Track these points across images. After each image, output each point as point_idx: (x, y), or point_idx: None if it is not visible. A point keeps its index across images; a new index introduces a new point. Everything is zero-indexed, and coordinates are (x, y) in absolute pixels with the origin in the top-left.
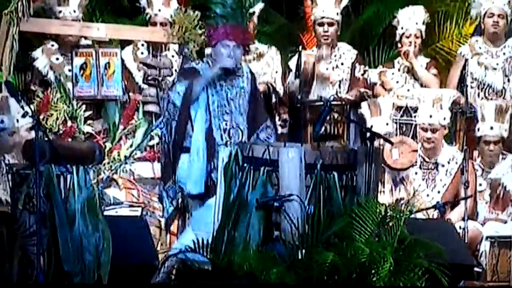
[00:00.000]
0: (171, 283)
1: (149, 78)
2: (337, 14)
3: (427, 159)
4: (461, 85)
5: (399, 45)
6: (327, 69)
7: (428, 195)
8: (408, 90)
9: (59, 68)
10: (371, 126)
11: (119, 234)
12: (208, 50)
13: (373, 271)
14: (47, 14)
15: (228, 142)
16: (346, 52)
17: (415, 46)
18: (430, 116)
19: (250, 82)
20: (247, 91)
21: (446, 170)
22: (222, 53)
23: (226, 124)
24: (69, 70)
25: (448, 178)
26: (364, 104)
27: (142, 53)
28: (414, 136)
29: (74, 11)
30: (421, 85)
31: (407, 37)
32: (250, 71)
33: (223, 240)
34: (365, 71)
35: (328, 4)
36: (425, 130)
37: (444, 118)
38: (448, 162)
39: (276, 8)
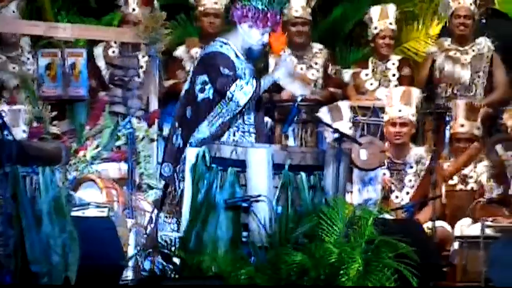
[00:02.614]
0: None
1: (115, 78)
2: (309, 13)
3: (395, 160)
4: (430, 85)
5: (371, 44)
6: (301, 69)
7: (397, 197)
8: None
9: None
10: None
11: (87, 235)
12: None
13: (342, 272)
14: None
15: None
16: (319, 52)
17: (389, 46)
18: (399, 111)
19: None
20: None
21: (415, 171)
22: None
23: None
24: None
25: (416, 179)
26: (324, 109)
27: (113, 52)
28: (382, 137)
29: (14, 12)
30: (395, 86)
31: (382, 38)
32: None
33: (191, 241)
34: (336, 71)
35: (300, 4)
36: (394, 124)
37: (413, 115)
38: (416, 163)
39: None
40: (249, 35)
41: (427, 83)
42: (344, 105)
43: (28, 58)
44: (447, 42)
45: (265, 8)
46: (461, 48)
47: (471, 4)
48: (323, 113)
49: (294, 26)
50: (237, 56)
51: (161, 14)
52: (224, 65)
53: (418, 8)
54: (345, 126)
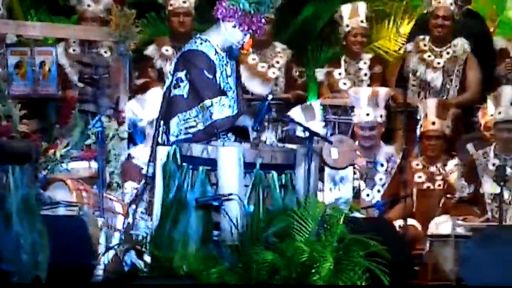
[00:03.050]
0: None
1: (85, 76)
2: (272, 12)
3: (364, 159)
4: (402, 83)
5: (343, 42)
6: (262, 67)
7: (368, 195)
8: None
9: None
10: None
11: (57, 234)
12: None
13: (313, 271)
14: None
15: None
16: (282, 51)
17: (361, 44)
18: (367, 114)
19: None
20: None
21: (385, 170)
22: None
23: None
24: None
25: (387, 177)
26: (297, 109)
27: (74, 50)
28: (353, 135)
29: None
30: (368, 85)
31: (354, 36)
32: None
33: (162, 239)
34: (301, 72)
35: None
36: (362, 128)
37: (381, 116)
38: (387, 161)
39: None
40: (232, 34)
41: (399, 81)
42: (316, 104)
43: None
44: (423, 41)
45: (252, 11)
46: (436, 49)
47: (451, 4)
48: (296, 112)
49: None
50: (216, 52)
51: (131, 12)
52: (206, 67)
53: (389, 7)
54: (318, 125)
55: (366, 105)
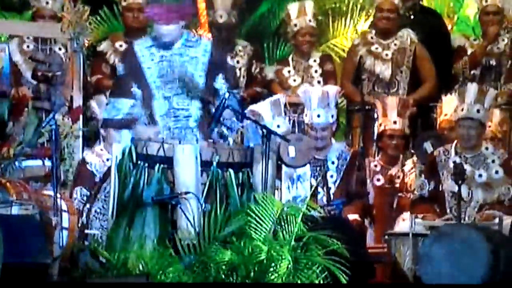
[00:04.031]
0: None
1: (39, 73)
2: (234, 15)
3: (316, 156)
4: (357, 80)
5: (292, 41)
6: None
7: (319, 192)
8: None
9: None
10: (278, 126)
11: (11, 233)
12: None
13: (271, 269)
14: None
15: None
16: (242, 49)
17: (310, 43)
18: (318, 116)
19: (208, 55)
20: (200, 61)
21: (336, 167)
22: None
23: (170, 91)
24: None
25: (338, 175)
26: (265, 104)
27: (28, 46)
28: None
29: None
30: (318, 82)
31: (302, 35)
32: (213, 46)
33: (118, 239)
34: (261, 69)
35: (225, 8)
36: (314, 129)
37: (332, 116)
38: (338, 158)
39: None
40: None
41: (355, 79)
42: (283, 100)
43: None
44: (370, 34)
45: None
46: (383, 42)
47: None
48: (265, 108)
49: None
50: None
51: (84, 8)
52: None
53: (345, 5)
54: (285, 122)
55: (317, 106)
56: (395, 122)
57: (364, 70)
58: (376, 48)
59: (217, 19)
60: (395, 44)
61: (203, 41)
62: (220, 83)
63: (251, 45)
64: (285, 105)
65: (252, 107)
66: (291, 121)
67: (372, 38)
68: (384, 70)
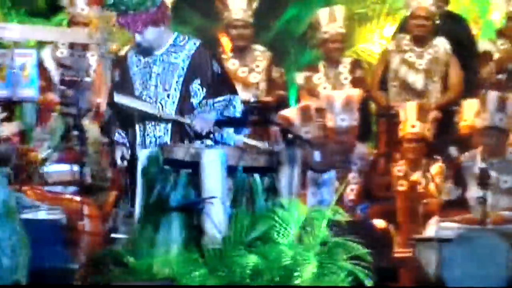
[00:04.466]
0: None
1: (66, 79)
2: (250, 16)
3: (340, 160)
4: (385, 85)
5: (321, 48)
6: (243, 72)
7: (344, 197)
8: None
9: None
10: (306, 132)
11: (37, 238)
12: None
13: (296, 274)
14: None
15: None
16: (261, 54)
17: (339, 50)
18: (342, 120)
19: (189, 59)
20: (180, 67)
21: (361, 171)
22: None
23: (149, 98)
24: None
25: (362, 179)
26: (294, 110)
27: (62, 53)
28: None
29: None
30: (348, 88)
31: (332, 42)
32: (197, 49)
33: (143, 243)
34: (281, 73)
35: (240, 6)
36: (338, 133)
37: (355, 120)
38: (360, 160)
39: (193, 7)
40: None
41: (382, 83)
42: (313, 107)
43: None
44: (404, 41)
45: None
46: (417, 49)
47: (430, 4)
48: (294, 114)
49: (235, 28)
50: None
51: (112, 14)
52: None
53: (371, 10)
54: (314, 128)
55: (341, 110)
56: (413, 126)
57: (397, 78)
58: (410, 57)
59: (232, 19)
60: (429, 54)
61: (188, 46)
62: (195, 88)
63: (269, 50)
64: (313, 110)
65: (282, 112)
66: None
67: (406, 45)
68: (417, 80)
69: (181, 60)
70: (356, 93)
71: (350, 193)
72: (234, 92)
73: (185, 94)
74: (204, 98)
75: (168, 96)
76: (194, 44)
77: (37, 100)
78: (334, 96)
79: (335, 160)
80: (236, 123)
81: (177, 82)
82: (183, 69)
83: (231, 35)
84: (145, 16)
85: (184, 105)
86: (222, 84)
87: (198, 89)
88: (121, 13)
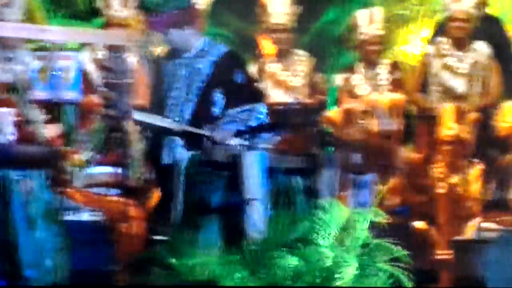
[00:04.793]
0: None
1: (107, 81)
2: (290, 20)
3: (381, 163)
4: (424, 88)
5: (359, 50)
6: (284, 75)
7: (385, 199)
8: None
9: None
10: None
11: (78, 239)
12: None
13: (337, 276)
14: None
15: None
16: (302, 59)
17: (377, 52)
18: (385, 123)
19: (212, 65)
20: (203, 73)
21: (401, 174)
22: None
23: (172, 100)
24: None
25: (403, 181)
26: (336, 112)
27: (100, 55)
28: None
29: (23, 14)
30: (387, 90)
31: (370, 44)
32: (221, 57)
33: (183, 245)
34: (323, 79)
35: (280, 10)
36: (381, 136)
37: (399, 123)
38: (403, 165)
39: (232, 10)
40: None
41: (422, 86)
42: (354, 108)
43: (24, 61)
44: (443, 45)
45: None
46: (457, 53)
47: (470, 7)
48: (336, 115)
49: (275, 32)
50: None
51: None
52: None
53: (411, 11)
54: (356, 129)
55: (384, 113)
56: (450, 128)
57: (437, 82)
58: (451, 61)
59: (272, 23)
60: (469, 57)
61: (214, 52)
62: (217, 96)
63: (311, 55)
64: (355, 112)
65: (324, 114)
66: (359, 128)
67: (446, 49)
68: (458, 84)
69: (205, 66)
70: (401, 97)
71: (391, 195)
72: (258, 100)
73: (204, 101)
74: (225, 108)
75: (188, 101)
76: (220, 50)
77: (79, 102)
78: (379, 100)
79: (376, 163)
80: (266, 129)
81: (198, 87)
82: (206, 75)
83: (271, 38)
84: (169, 17)
85: (203, 112)
86: (245, 93)
87: (220, 98)
88: (149, 14)
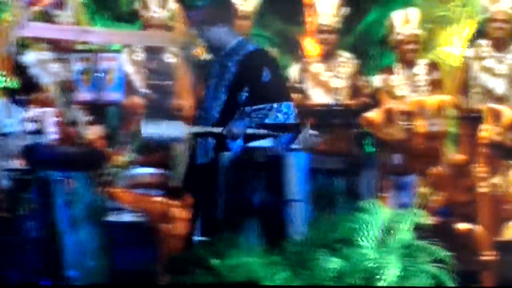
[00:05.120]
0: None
1: (151, 83)
2: (337, 21)
3: (424, 164)
4: (465, 89)
5: (396, 50)
6: (326, 76)
7: (427, 199)
8: (412, 97)
9: (55, 75)
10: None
11: (121, 240)
12: None
13: (379, 277)
14: (44, 18)
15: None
16: (346, 61)
17: (413, 51)
18: (430, 125)
19: (238, 63)
20: (230, 71)
21: (443, 174)
22: None
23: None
24: (66, 77)
25: (445, 182)
26: (377, 112)
27: (139, 56)
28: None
29: (71, 16)
30: (425, 90)
31: (406, 44)
32: (248, 55)
33: (225, 246)
34: (367, 81)
35: (328, 12)
36: (425, 137)
37: (442, 125)
38: (442, 164)
39: (274, 12)
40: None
41: (463, 87)
42: (396, 109)
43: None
44: (483, 47)
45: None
46: (497, 55)
47: (509, 8)
48: (377, 116)
49: (321, 34)
50: None
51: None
52: None
53: (452, 12)
54: (397, 130)
55: (428, 115)
56: (489, 130)
57: (477, 84)
58: (490, 63)
59: (319, 24)
60: (509, 59)
61: (243, 51)
62: (244, 95)
63: (355, 58)
64: (397, 113)
65: (365, 114)
66: (403, 129)
67: (486, 51)
68: (498, 85)
69: (233, 65)
70: (447, 98)
71: (434, 196)
72: (284, 99)
73: (232, 100)
74: (244, 105)
75: (217, 99)
76: (247, 49)
77: (122, 104)
78: (426, 101)
79: (419, 163)
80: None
81: (226, 86)
82: (233, 74)
83: (316, 40)
84: (201, 13)
85: (230, 111)
86: (268, 91)
87: (246, 97)
88: (188, 9)
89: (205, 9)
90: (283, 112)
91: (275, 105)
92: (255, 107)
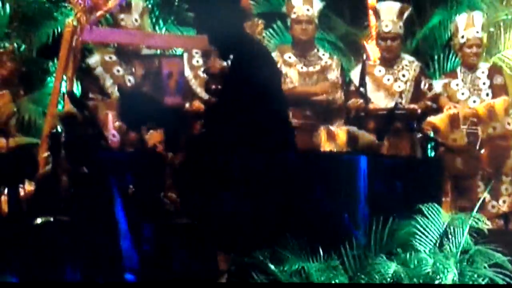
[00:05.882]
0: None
1: (212, 87)
2: (400, 27)
3: (488, 169)
4: None
5: (459, 53)
6: (388, 80)
7: (493, 206)
8: (474, 101)
9: (120, 79)
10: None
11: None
12: None
13: (436, 282)
14: (109, 22)
15: None
16: (409, 64)
17: (476, 55)
18: (493, 129)
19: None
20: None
21: (511, 179)
22: None
23: None
24: (129, 81)
25: (509, 187)
26: (442, 117)
27: (197, 61)
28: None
29: (136, 20)
30: (487, 94)
31: (469, 47)
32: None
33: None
34: (430, 84)
35: (391, 18)
36: (494, 139)
37: (508, 123)
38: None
39: (339, 15)
40: None
41: None
42: (461, 114)
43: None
44: None
45: None
46: None
47: None
48: (442, 121)
49: (384, 40)
50: None
51: (260, 22)
52: None
53: None
54: (462, 135)
55: (496, 118)
56: None
57: None
58: None
59: (383, 29)
60: None
61: None
62: None
63: (418, 61)
64: (462, 118)
65: (429, 119)
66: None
67: None
68: None
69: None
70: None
71: (503, 205)
72: None
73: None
74: None
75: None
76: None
77: (184, 108)
78: (495, 104)
79: (477, 167)
80: None
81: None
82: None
83: (379, 46)
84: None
85: None
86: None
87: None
88: None
89: None
90: None
91: None
92: None
